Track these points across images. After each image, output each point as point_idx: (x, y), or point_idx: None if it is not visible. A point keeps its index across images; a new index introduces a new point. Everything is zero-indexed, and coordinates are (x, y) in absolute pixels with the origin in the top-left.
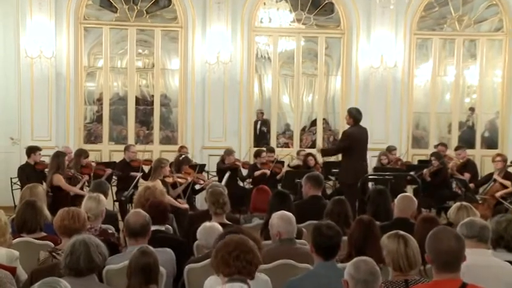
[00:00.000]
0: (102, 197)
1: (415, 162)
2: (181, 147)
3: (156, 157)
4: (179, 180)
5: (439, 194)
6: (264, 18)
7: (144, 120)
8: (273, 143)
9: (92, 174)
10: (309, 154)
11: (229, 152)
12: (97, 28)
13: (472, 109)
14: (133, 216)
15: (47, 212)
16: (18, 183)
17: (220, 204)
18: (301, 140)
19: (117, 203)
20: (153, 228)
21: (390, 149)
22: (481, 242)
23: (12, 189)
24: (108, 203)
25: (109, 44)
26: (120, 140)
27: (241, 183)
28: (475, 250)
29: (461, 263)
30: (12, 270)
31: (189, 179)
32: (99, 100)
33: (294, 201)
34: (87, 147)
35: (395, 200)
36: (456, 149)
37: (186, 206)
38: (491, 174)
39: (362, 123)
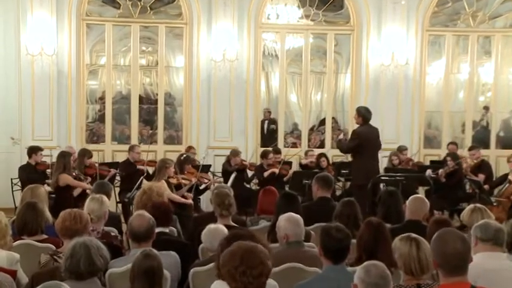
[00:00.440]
0: (105, 198)
1: (427, 163)
2: (189, 147)
3: (160, 157)
4: (183, 181)
5: (452, 196)
6: (271, 15)
7: (147, 119)
8: (280, 142)
9: (96, 174)
10: (322, 155)
11: (235, 153)
12: (99, 25)
13: (486, 108)
14: (137, 220)
15: (48, 214)
16: (19, 184)
17: (226, 205)
18: (309, 140)
19: (120, 205)
20: (156, 230)
21: (401, 149)
22: (496, 245)
23: (12, 190)
24: (111, 204)
25: (112, 41)
26: (123, 140)
27: (247, 185)
28: (490, 253)
29: (468, 265)
30: (13, 274)
31: (193, 180)
32: (102, 99)
33: (302, 202)
34: (90, 147)
35: (407, 202)
36: (470, 149)
37: (191, 201)
38: (507, 175)
39: (372, 123)
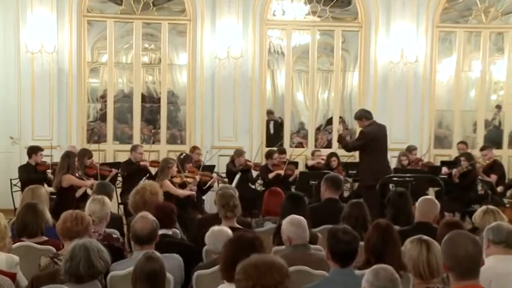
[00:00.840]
0: (106, 199)
1: (438, 163)
2: (194, 148)
3: (163, 157)
4: (187, 179)
5: (464, 197)
6: (277, 11)
7: (150, 118)
8: (286, 142)
9: (96, 175)
10: (333, 154)
11: (239, 152)
12: (101, 21)
13: (498, 107)
14: (140, 222)
15: (48, 215)
16: (19, 184)
17: (230, 207)
18: (316, 140)
19: (122, 206)
20: (159, 232)
21: (410, 149)
22: (508, 248)
23: (12, 191)
24: (112, 205)
25: (113, 38)
26: (125, 139)
27: (252, 186)
28: (503, 257)
29: (480, 268)
30: (12, 277)
31: (197, 177)
32: (103, 97)
33: (309, 204)
34: (91, 147)
35: (417, 204)
36: (482, 149)
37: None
38: None
39: (381, 122)
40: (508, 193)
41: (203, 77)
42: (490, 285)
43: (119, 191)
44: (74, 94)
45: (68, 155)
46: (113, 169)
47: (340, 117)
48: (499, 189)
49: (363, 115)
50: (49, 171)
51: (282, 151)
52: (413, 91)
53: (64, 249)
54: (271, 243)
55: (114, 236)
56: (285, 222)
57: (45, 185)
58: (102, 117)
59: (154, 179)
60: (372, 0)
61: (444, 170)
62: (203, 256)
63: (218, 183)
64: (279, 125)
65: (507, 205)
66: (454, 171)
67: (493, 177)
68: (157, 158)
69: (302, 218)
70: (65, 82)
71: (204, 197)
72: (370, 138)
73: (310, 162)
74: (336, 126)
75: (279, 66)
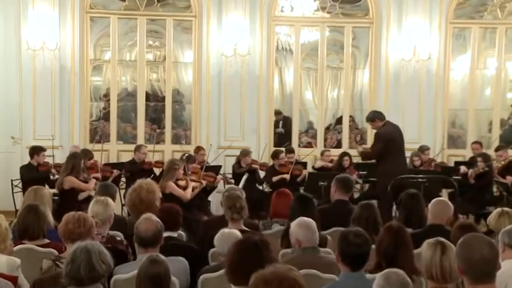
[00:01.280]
0: (110, 200)
1: (451, 164)
2: (198, 148)
3: (168, 158)
4: (194, 184)
5: (478, 199)
6: (285, 7)
7: (154, 117)
8: (294, 142)
9: (98, 176)
10: (345, 154)
11: (245, 152)
12: (104, 18)
13: None
14: (144, 224)
15: (50, 217)
16: (20, 185)
17: (237, 209)
18: (325, 140)
19: (125, 207)
20: (164, 234)
21: (423, 149)
22: None
23: (13, 192)
24: (116, 207)
25: (117, 35)
26: (128, 139)
27: (260, 187)
28: None
29: (496, 272)
30: (14, 280)
31: (204, 183)
32: (106, 96)
33: (318, 205)
34: (94, 147)
35: (429, 205)
36: (497, 149)
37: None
38: None
39: (392, 121)
40: None
41: (209, 75)
42: None
43: (122, 192)
44: (77, 92)
45: (74, 156)
46: (115, 170)
47: (350, 116)
48: None
49: (376, 116)
50: (53, 171)
51: (290, 150)
52: (426, 89)
53: (66, 251)
54: (279, 246)
55: (118, 238)
56: (294, 224)
57: (47, 186)
58: (105, 117)
59: (158, 180)
60: None
61: (463, 168)
62: (209, 259)
63: (224, 184)
64: (285, 125)
65: None
66: (470, 171)
67: (509, 179)
68: (161, 158)
69: (311, 220)
70: (67, 80)
71: (210, 199)
72: (387, 139)
73: (317, 164)
74: (347, 126)
75: (287, 63)
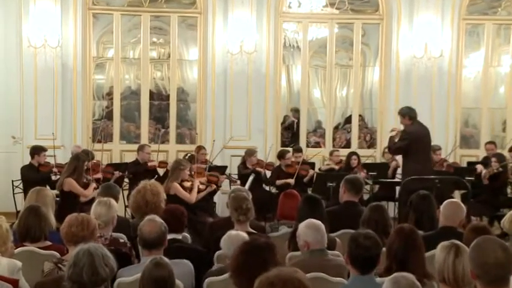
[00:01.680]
0: (113, 201)
1: (464, 164)
2: (199, 147)
3: (172, 158)
4: (200, 186)
5: (492, 201)
6: (292, 3)
7: (159, 116)
8: (302, 142)
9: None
10: (353, 153)
11: (250, 152)
12: (107, 14)
13: None
14: (147, 225)
15: (52, 219)
16: (21, 186)
17: (243, 210)
18: (334, 139)
19: (129, 209)
20: (169, 237)
21: (434, 149)
22: None
23: (13, 193)
24: (119, 208)
25: (120, 32)
26: (132, 139)
27: (267, 187)
28: None
29: (510, 276)
30: (14, 283)
31: (214, 187)
32: (109, 94)
33: (327, 207)
34: (96, 146)
35: (441, 207)
36: (511, 149)
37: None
38: None
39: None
40: None
41: (214, 73)
42: None
43: (125, 193)
44: (79, 91)
45: (77, 158)
46: (116, 172)
47: (359, 115)
48: None
49: (407, 113)
50: (54, 170)
51: (298, 150)
52: (438, 88)
53: (68, 254)
54: (286, 249)
55: (121, 240)
56: (302, 226)
57: (48, 187)
58: (108, 116)
59: (163, 181)
60: None
61: (480, 168)
62: (215, 262)
63: (230, 185)
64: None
65: None
66: (484, 172)
67: None
68: (166, 158)
69: (319, 222)
70: (69, 78)
71: (215, 200)
72: (412, 138)
73: (323, 167)
74: (356, 126)
75: (295, 61)
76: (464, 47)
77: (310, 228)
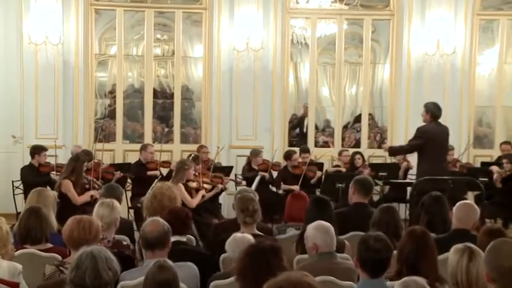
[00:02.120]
0: (116, 203)
1: (477, 164)
2: (200, 146)
3: (176, 158)
4: (206, 186)
5: (507, 202)
6: None
7: (163, 115)
8: (310, 141)
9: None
10: (357, 153)
11: (255, 152)
12: (109, 10)
13: None
14: (149, 225)
15: (53, 221)
16: (21, 187)
17: (250, 212)
18: (343, 139)
19: (132, 211)
20: (172, 239)
21: (447, 149)
22: None
23: (14, 194)
24: (122, 210)
25: (123, 29)
26: (135, 138)
27: (274, 188)
28: None
29: None
30: (15, 286)
31: (220, 187)
32: (112, 93)
33: (335, 208)
34: (98, 146)
35: (454, 209)
36: None
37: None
38: None
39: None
40: None
41: (220, 71)
42: None
43: (128, 194)
44: (81, 89)
45: (76, 159)
46: (117, 172)
47: (369, 114)
48: None
49: (433, 111)
50: (53, 172)
51: (305, 150)
52: (451, 85)
53: (70, 257)
54: (294, 252)
55: (124, 243)
56: (311, 228)
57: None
58: (111, 114)
59: (165, 181)
60: None
61: (495, 169)
62: (220, 265)
63: (236, 186)
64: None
65: None
66: (495, 176)
67: None
68: (170, 158)
69: (329, 224)
70: (70, 76)
71: (221, 201)
72: (426, 137)
73: (330, 169)
74: (366, 125)
75: (303, 58)
76: (478, 43)
77: (319, 230)
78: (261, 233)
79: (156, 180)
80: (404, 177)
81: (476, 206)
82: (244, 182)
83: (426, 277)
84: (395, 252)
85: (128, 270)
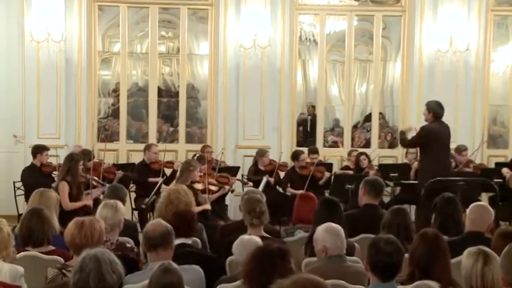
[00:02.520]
0: (120, 204)
1: (492, 165)
2: (204, 146)
3: (181, 158)
4: (212, 188)
5: None
6: None
7: (167, 114)
8: (319, 141)
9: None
10: (362, 153)
11: (261, 152)
12: (113, 7)
13: None
14: (151, 225)
15: (56, 222)
16: (23, 188)
17: (257, 213)
18: (353, 139)
19: (136, 212)
20: (178, 241)
21: (460, 149)
22: None
23: (15, 195)
24: (126, 211)
25: (127, 26)
26: (139, 138)
27: (281, 189)
28: None
29: None
30: None
31: (227, 188)
32: (116, 91)
33: (345, 210)
34: (101, 146)
35: (467, 211)
36: None
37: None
38: None
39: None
40: None
41: (226, 69)
42: None
43: (132, 195)
44: (84, 87)
45: (70, 158)
46: (118, 172)
47: (379, 113)
48: None
49: (435, 110)
50: (55, 173)
51: (314, 151)
52: (464, 83)
53: (73, 259)
54: (302, 254)
55: (128, 245)
56: (320, 230)
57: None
58: (115, 113)
59: (169, 182)
60: None
61: (505, 170)
62: (226, 268)
63: (243, 187)
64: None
65: None
66: (508, 176)
67: None
68: (174, 158)
69: (339, 226)
70: (73, 74)
71: (227, 202)
72: (432, 138)
73: (338, 172)
74: (376, 124)
75: (311, 56)
76: (492, 40)
77: (329, 233)
78: (268, 236)
79: (161, 181)
80: (416, 178)
81: (490, 208)
82: (251, 183)
83: (439, 281)
84: (406, 255)
85: (132, 273)
